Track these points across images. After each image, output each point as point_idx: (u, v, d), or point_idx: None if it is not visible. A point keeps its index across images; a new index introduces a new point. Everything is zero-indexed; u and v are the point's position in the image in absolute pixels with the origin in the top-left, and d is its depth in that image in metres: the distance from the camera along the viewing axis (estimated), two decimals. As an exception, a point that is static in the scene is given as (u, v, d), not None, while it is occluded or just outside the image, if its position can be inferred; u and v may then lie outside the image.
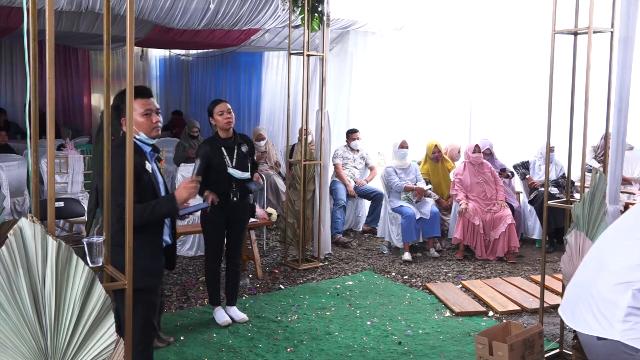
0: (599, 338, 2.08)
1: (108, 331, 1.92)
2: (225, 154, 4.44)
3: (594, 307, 2.12)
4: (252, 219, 5.47)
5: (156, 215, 2.92)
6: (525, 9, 7.06)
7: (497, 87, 7.94)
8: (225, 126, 4.44)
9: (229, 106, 4.48)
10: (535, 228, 7.03)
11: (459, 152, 7.71)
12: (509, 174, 7.17)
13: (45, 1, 1.83)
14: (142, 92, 2.96)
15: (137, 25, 6.66)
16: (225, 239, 4.61)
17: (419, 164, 7.28)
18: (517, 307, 5.00)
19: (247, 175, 4.49)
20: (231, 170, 4.41)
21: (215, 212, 4.41)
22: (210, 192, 4.21)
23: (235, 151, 4.48)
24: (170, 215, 3.00)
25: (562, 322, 3.99)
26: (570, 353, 3.95)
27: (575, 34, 3.92)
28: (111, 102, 3.15)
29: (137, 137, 2.94)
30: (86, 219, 4.17)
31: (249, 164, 4.56)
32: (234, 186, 4.44)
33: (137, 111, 2.91)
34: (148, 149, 3.00)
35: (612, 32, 3.78)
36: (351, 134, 7.63)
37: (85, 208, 5.02)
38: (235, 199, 4.45)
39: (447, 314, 4.92)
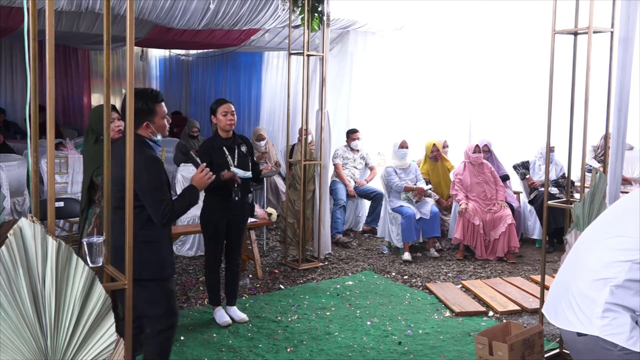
0: (579, 334, 2.12)
1: (108, 331, 1.92)
2: (227, 153, 4.47)
3: (574, 303, 2.16)
4: (252, 219, 5.48)
5: (190, 205, 3.17)
6: (525, 9, 7.06)
7: (497, 87, 7.94)
8: (227, 127, 4.47)
9: (233, 108, 4.51)
10: (535, 228, 7.03)
11: (444, 146, 7.60)
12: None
13: (45, 1, 1.83)
14: (160, 96, 3.13)
15: (137, 25, 6.66)
16: (225, 239, 4.62)
17: (418, 164, 7.28)
18: (517, 307, 5.00)
19: (249, 174, 4.52)
20: (234, 169, 4.44)
21: (216, 212, 4.42)
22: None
23: (236, 151, 4.51)
24: (195, 203, 3.24)
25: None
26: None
27: (575, 34, 3.92)
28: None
29: (155, 138, 3.11)
30: (79, 220, 4.15)
31: (250, 164, 4.59)
32: (235, 185, 4.46)
33: (160, 115, 3.09)
34: (158, 148, 3.21)
35: (612, 32, 3.79)
36: (351, 134, 7.63)
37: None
38: (237, 198, 4.47)
39: (447, 314, 4.92)
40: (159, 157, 3.06)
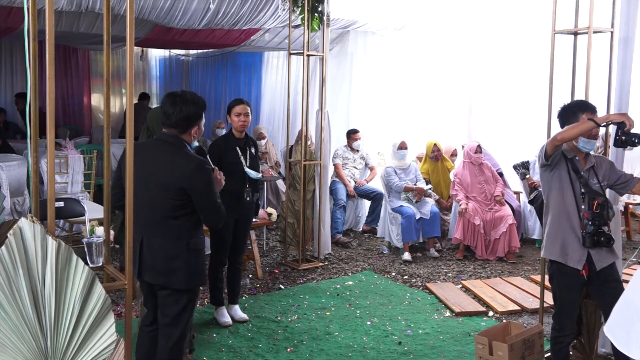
0: None
1: (108, 331, 1.92)
2: (240, 153, 4.51)
3: None
4: (253, 219, 5.50)
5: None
6: (525, 9, 7.05)
7: (497, 87, 7.93)
8: (239, 128, 4.51)
9: (248, 109, 4.51)
10: (535, 228, 7.03)
11: (452, 154, 7.63)
12: None
13: (45, 1, 1.83)
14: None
15: (137, 25, 6.65)
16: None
17: (421, 158, 7.27)
18: (517, 307, 5.00)
19: (260, 175, 4.60)
20: (247, 170, 4.50)
21: (226, 211, 4.44)
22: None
23: (248, 152, 4.57)
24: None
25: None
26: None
27: (575, 34, 3.92)
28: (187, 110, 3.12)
29: (193, 144, 3.06)
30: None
31: (259, 165, 4.69)
32: (247, 185, 4.50)
33: (202, 120, 3.04)
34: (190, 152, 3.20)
35: (612, 32, 3.79)
36: (352, 135, 7.63)
37: (85, 208, 5.01)
38: (247, 198, 4.50)
39: (447, 314, 4.92)
40: (208, 161, 3.01)
